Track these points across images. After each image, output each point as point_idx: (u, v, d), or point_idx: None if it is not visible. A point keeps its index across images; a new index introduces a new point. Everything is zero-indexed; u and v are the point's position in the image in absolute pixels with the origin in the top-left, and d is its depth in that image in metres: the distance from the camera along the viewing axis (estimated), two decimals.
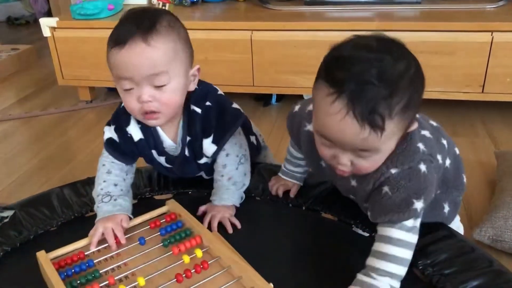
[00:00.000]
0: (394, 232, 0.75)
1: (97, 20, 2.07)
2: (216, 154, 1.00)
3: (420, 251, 0.83)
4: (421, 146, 0.77)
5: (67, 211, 1.02)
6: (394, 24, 1.80)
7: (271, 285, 0.72)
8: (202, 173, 1.10)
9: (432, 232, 0.88)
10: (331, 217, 0.99)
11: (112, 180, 0.98)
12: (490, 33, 1.69)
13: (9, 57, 2.82)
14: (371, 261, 0.75)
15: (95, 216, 0.95)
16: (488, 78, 1.74)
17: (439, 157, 0.82)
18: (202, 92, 0.98)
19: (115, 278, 0.79)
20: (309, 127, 0.86)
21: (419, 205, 0.74)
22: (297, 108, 0.93)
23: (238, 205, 1.01)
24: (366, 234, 0.92)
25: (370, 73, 0.64)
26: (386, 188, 0.75)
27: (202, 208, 1.00)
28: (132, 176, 1.03)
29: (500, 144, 1.69)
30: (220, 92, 1.03)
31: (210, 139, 0.98)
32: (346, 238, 0.92)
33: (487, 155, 1.57)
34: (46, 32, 2.11)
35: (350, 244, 0.90)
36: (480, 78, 1.75)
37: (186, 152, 1.01)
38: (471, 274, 0.79)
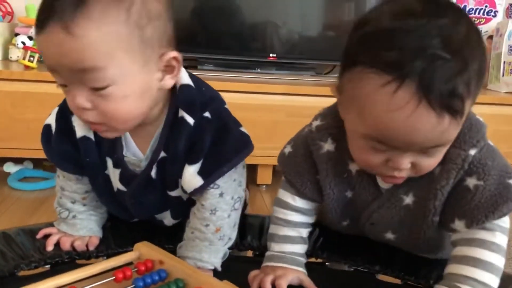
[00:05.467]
0: (489, 234, 0.60)
1: None
2: (199, 191, 0.68)
3: None
4: (481, 119, 0.64)
5: None
6: (294, 88, 1.75)
7: None
8: (166, 214, 0.76)
9: None
10: (338, 266, 0.75)
11: (68, 198, 0.75)
12: None
13: None
14: (457, 269, 0.59)
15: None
16: None
17: None
18: (202, 97, 0.68)
19: None
20: (328, 146, 0.68)
21: None
22: (289, 148, 0.73)
23: (220, 269, 0.69)
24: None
25: (434, 45, 0.49)
26: (472, 180, 0.60)
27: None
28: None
29: None
30: (227, 106, 0.72)
31: (195, 167, 0.66)
32: None
33: None
34: None
35: None
36: None
37: (153, 173, 0.69)
38: None
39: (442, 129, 0.52)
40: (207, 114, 0.67)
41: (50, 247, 0.71)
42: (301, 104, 1.75)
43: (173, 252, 0.70)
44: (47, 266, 0.68)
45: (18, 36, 1.80)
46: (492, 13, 2.18)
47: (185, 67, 2.08)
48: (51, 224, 0.76)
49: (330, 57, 2.05)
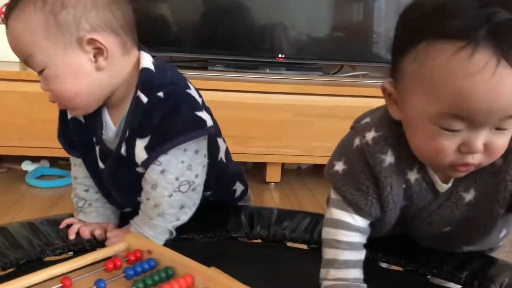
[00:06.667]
0: None
1: None
2: (146, 165, 0.73)
3: None
4: None
5: None
6: (302, 88, 1.80)
7: None
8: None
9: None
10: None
11: (81, 186, 0.82)
12: None
13: None
14: None
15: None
16: None
17: None
18: (162, 79, 0.73)
19: None
20: (389, 159, 0.63)
21: None
22: (341, 165, 0.67)
23: (161, 244, 0.73)
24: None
25: (497, 8, 0.48)
26: None
27: (110, 234, 0.77)
28: None
29: None
30: (191, 91, 0.76)
31: (143, 142, 0.72)
32: None
33: None
34: None
35: None
36: None
37: (123, 150, 0.74)
38: None
39: None
40: (160, 94, 0.71)
41: (72, 236, 0.76)
42: (309, 103, 1.79)
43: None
44: (70, 253, 0.73)
45: None
46: None
47: (196, 68, 2.12)
48: (72, 215, 0.81)
49: (338, 58, 2.09)
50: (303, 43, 2.06)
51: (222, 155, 0.84)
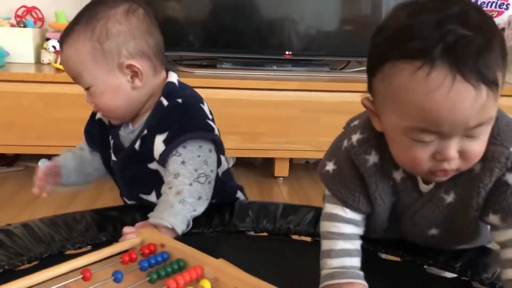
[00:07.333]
0: None
1: None
2: (164, 157, 0.81)
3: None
4: None
5: None
6: (309, 84, 1.83)
7: None
8: (153, 197, 0.87)
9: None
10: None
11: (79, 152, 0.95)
12: None
13: None
14: None
15: None
16: None
17: None
18: (182, 92, 0.85)
19: None
20: (373, 158, 0.68)
21: None
22: (332, 165, 0.71)
23: (179, 232, 0.78)
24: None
25: (454, 27, 0.51)
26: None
27: (126, 230, 0.77)
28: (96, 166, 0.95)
29: None
30: (204, 107, 0.86)
31: (163, 136, 0.81)
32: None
33: None
34: None
35: None
36: None
37: (137, 146, 0.84)
38: None
39: (482, 103, 0.52)
40: (179, 100, 0.83)
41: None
42: (316, 99, 1.83)
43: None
44: (89, 247, 0.79)
45: (49, 41, 1.92)
46: (504, 6, 2.22)
47: (205, 66, 2.18)
48: (86, 212, 0.87)
49: (345, 53, 2.12)
50: (310, 40, 2.09)
51: (220, 171, 0.91)
